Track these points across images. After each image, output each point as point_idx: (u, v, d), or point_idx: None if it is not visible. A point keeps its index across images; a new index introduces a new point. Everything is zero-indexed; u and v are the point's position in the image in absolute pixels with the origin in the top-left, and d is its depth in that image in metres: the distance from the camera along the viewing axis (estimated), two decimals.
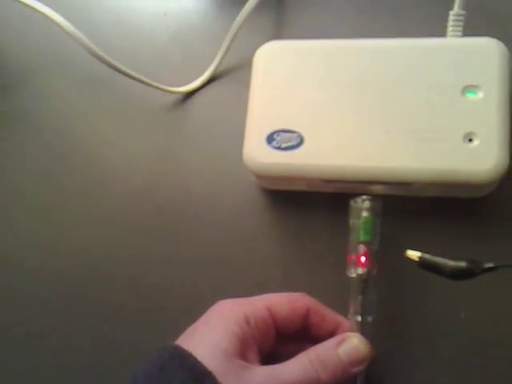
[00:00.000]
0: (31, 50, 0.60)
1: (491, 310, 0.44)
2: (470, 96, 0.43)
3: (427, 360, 0.44)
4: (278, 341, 0.41)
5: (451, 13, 0.47)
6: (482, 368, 0.43)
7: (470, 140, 0.42)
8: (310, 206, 0.49)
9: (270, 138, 0.45)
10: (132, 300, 0.50)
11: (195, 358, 0.36)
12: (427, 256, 0.37)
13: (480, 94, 0.43)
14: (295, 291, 0.43)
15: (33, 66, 0.60)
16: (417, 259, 0.37)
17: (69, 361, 0.50)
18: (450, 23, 0.47)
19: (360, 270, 0.42)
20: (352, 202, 0.44)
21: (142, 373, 0.37)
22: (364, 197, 0.44)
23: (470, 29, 0.46)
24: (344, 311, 0.42)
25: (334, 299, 0.43)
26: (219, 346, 0.37)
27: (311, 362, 0.38)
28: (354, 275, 0.43)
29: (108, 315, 0.50)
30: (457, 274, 0.36)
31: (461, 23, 0.47)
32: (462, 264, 0.36)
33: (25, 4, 0.52)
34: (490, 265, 0.36)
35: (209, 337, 0.38)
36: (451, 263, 0.36)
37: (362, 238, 0.43)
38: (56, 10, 0.51)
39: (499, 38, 0.44)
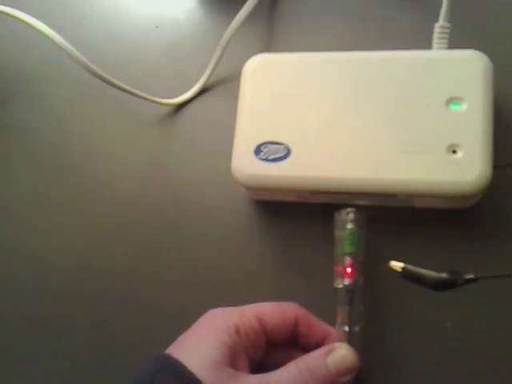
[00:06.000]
0: (23, 63, 0.61)
1: (476, 319, 0.44)
2: (454, 108, 0.43)
3: (414, 370, 0.44)
4: (268, 349, 0.42)
5: (436, 25, 0.47)
6: (469, 377, 0.43)
7: (454, 151, 0.42)
8: (299, 216, 0.49)
9: (258, 150, 0.46)
10: (121, 312, 0.51)
11: (186, 368, 0.36)
12: (410, 267, 0.38)
13: (464, 106, 0.43)
14: (284, 301, 0.43)
15: (25, 80, 0.60)
16: (399, 270, 0.38)
17: (56, 375, 0.50)
18: (436, 35, 0.47)
19: (346, 281, 0.43)
20: (336, 214, 0.45)
21: (134, 382, 0.37)
22: (348, 209, 0.44)
23: (455, 41, 0.47)
24: (332, 321, 0.43)
25: (322, 309, 0.43)
26: (209, 356, 0.37)
27: (300, 372, 0.38)
28: (340, 286, 0.43)
29: (96, 328, 0.51)
30: (439, 285, 0.37)
31: (446, 35, 0.47)
32: (444, 275, 0.37)
33: (16, 18, 0.52)
34: (471, 276, 0.36)
35: (199, 346, 0.39)
36: (433, 274, 0.37)
37: (348, 249, 0.43)
38: (47, 24, 0.52)
39: (483, 51, 0.45)
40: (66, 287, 0.52)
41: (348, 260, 0.43)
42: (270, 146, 0.46)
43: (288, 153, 0.45)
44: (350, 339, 0.42)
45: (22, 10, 0.53)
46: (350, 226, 0.44)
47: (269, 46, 0.56)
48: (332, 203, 0.46)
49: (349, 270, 0.43)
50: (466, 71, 0.44)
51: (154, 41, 0.59)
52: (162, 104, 0.55)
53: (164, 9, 0.60)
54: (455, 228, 0.46)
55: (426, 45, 0.48)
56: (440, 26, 0.47)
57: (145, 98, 0.54)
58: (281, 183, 0.46)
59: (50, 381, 0.50)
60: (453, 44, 0.47)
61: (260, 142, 0.46)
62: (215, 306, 0.42)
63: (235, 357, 0.39)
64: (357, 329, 0.42)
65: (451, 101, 0.44)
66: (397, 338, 0.45)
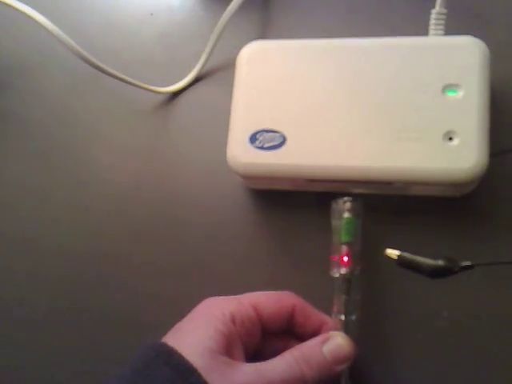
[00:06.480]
0: (16, 51, 0.60)
1: (473, 307, 0.44)
2: (451, 95, 0.43)
3: (411, 358, 0.44)
4: (265, 338, 0.42)
5: (433, 11, 0.47)
6: (467, 365, 0.43)
7: (450, 139, 0.42)
8: (295, 205, 0.49)
9: (253, 138, 0.46)
10: (119, 301, 0.50)
11: (181, 355, 0.36)
12: (406, 254, 0.38)
13: (460, 93, 0.43)
14: (280, 290, 0.43)
15: (18, 68, 0.60)
16: (395, 258, 0.38)
17: (54, 364, 0.50)
18: (432, 22, 0.47)
19: (343, 270, 0.43)
20: (333, 203, 0.45)
21: (129, 369, 0.37)
22: (345, 198, 0.44)
23: (452, 28, 0.46)
24: (328, 310, 0.43)
25: (317, 298, 0.43)
26: (204, 344, 0.37)
27: (296, 360, 0.38)
28: (337, 275, 0.43)
29: (94, 318, 0.51)
30: (435, 273, 0.37)
31: (442, 22, 0.47)
32: (441, 262, 0.36)
33: (10, 6, 0.52)
34: (468, 263, 0.36)
35: (194, 334, 0.38)
36: (429, 262, 0.37)
37: (344, 238, 0.43)
38: (41, 12, 0.51)
39: (480, 37, 0.44)
40: (61, 275, 0.52)
41: (345, 249, 0.43)
42: (265, 134, 0.46)
43: (283, 141, 0.45)
44: (347, 328, 0.42)
45: None
46: (346, 215, 0.44)
47: (263, 34, 0.55)
48: (328, 192, 0.46)
49: (345, 259, 0.43)
50: (462, 58, 0.44)
51: (148, 28, 0.58)
52: (156, 92, 0.55)
53: None
54: (451, 216, 0.46)
55: (423, 31, 0.47)
56: (436, 12, 0.47)
57: (139, 86, 0.54)
58: (276, 171, 0.46)
59: (47, 366, 0.50)
60: (449, 30, 0.47)
61: (255, 130, 0.46)
62: (210, 295, 0.42)
63: (231, 345, 0.39)
64: (353, 318, 0.42)
65: (448, 88, 0.43)
66: (393, 327, 0.45)
